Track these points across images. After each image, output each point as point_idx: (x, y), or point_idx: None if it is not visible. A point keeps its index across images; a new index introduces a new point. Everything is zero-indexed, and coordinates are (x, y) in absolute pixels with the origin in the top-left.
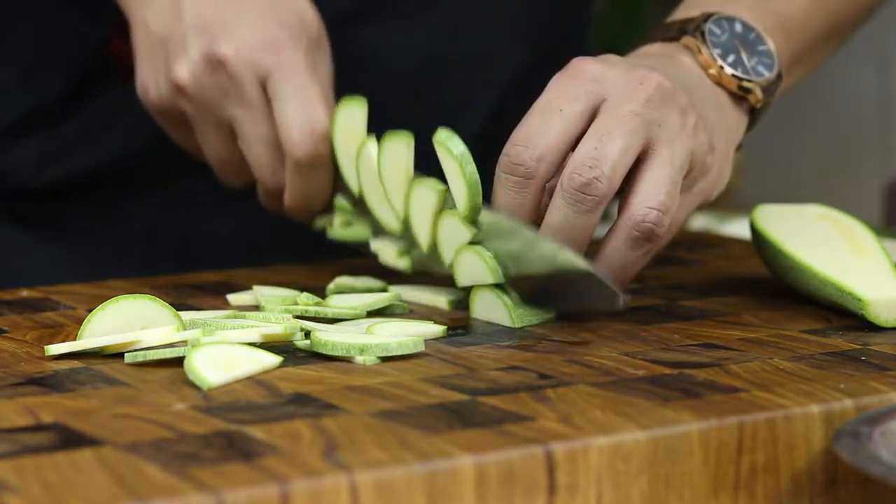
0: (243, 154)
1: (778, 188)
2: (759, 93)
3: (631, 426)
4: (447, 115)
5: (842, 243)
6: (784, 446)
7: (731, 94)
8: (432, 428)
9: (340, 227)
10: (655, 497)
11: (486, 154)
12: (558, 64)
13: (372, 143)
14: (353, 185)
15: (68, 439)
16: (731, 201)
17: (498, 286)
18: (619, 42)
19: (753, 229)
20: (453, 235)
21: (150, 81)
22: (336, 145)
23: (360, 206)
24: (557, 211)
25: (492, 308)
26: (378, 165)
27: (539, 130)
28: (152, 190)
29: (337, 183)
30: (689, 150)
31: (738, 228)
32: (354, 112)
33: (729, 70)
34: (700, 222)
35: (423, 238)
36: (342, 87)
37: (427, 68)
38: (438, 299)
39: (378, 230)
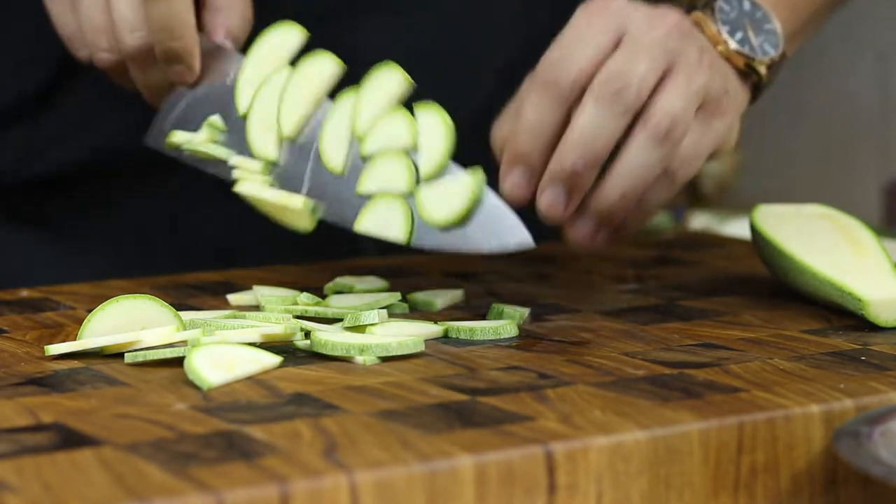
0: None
1: (777, 188)
2: (763, 71)
3: (631, 426)
4: None
5: (842, 243)
6: (784, 446)
7: (737, 70)
8: (432, 428)
9: (203, 142)
10: (655, 497)
11: (476, 149)
12: None
13: (289, 70)
14: (243, 104)
15: (68, 439)
16: (731, 201)
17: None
18: None
19: (753, 229)
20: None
21: None
22: (247, 60)
23: (235, 131)
24: (587, 114)
25: (384, 222)
26: (287, 80)
27: (571, 55)
28: (146, 187)
29: (216, 99)
30: (705, 82)
31: (738, 228)
32: (290, 38)
33: (735, 47)
34: (700, 222)
35: (336, 159)
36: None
37: (414, 64)
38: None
39: (245, 153)
